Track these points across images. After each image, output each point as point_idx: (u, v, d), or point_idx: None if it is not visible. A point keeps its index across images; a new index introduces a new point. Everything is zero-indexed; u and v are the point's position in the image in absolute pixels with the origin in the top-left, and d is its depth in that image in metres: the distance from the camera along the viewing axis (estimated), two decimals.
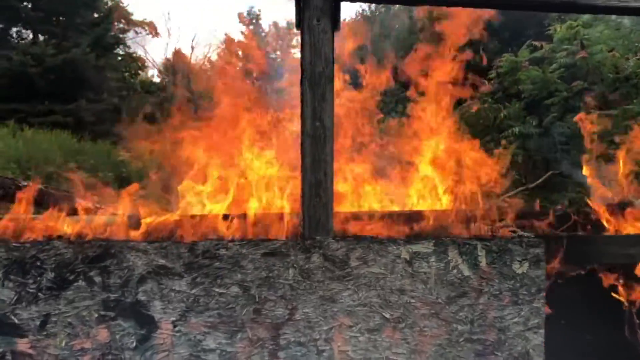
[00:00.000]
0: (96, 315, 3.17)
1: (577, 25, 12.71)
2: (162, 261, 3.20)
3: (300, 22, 3.40)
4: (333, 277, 3.29)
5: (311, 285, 3.28)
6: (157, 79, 30.23)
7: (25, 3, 23.24)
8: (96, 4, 24.54)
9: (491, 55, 17.80)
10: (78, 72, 21.94)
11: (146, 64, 29.48)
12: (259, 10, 34.34)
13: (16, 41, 24.09)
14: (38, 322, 3.14)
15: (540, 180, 9.87)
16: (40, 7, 22.66)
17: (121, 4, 25.16)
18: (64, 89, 22.27)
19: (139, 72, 29.14)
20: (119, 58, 25.89)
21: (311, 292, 3.28)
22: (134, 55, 27.60)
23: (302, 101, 3.39)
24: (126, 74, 26.80)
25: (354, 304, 3.30)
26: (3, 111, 20.55)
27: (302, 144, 3.39)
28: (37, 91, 21.77)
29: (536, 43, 13.53)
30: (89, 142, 21.13)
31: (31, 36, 24.19)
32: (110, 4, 25.36)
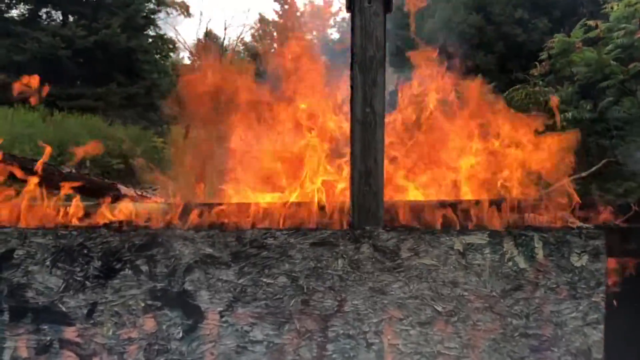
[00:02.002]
0: (143, 304, 3.28)
1: (636, 2, 12.45)
2: (209, 250, 3.29)
3: (350, 4, 3.43)
4: (383, 269, 3.34)
5: (361, 277, 3.34)
6: (187, 61, 30.50)
7: None
8: None
9: (541, 35, 17.60)
10: (108, 54, 22.25)
11: (177, 45, 29.75)
12: None
13: (46, 23, 24.50)
14: (85, 311, 3.26)
15: (594, 168, 9.72)
16: None
17: None
18: (94, 71, 22.62)
19: (170, 54, 29.42)
20: (150, 40, 26.14)
21: (361, 283, 3.34)
22: (165, 36, 27.86)
23: (351, 86, 3.43)
24: (157, 56, 27.06)
25: (404, 296, 3.35)
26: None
27: (351, 131, 3.43)
28: (67, 74, 22.15)
29: (590, 22, 13.28)
30: (119, 127, 21.47)
31: (61, 18, 24.55)
32: None
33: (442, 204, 3.73)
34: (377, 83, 3.40)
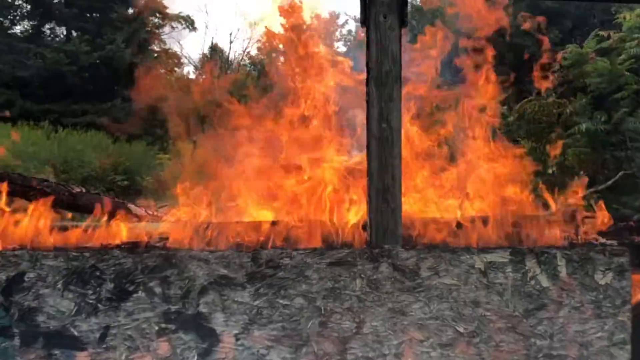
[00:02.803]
0: (156, 327, 3.25)
1: None
2: (223, 271, 3.27)
3: (365, 19, 3.43)
4: (403, 289, 3.31)
5: (380, 297, 3.30)
6: (192, 75, 30.61)
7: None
8: None
9: (552, 46, 17.59)
10: (113, 69, 22.35)
11: (182, 60, 29.87)
12: (301, 2, 34.32)
13: (49, 39, 24.67)
14: (98, 335, 3.23)
15: (610, 182, 9.70)
16: (74, 3, 23.16)
17: None
18: (98, 87, 22.73)
19: (175, 68, 29.56)
20: (155, 55, 26.28)
21: (380, 304, 3.30)
22: (170, 51, 28.02)
23: (367, 102, 3.42)
24: (162, 70, 27.16)
25: (425, 317, 3.32)
26: (36, 112, 21.05)
27: (368, 147, 3.42)
28: (71, 90, 22.25)
29: (603, 33, 13.28)
30: (124, 143, 21.52)
31: (64, 33, 24.72)
32: None
33: (459, 221, 3.71)
34: (393, 98, 3.39)
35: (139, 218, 4.15)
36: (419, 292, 3.31)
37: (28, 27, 24.48)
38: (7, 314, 3.19)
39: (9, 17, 23.96)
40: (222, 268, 3.27)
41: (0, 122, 18.24)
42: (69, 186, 4.26)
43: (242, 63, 29.75)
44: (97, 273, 3.23)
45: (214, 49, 27.65)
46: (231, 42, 29.18)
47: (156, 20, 25.95)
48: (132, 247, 3.35)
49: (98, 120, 21.94)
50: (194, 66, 30.10)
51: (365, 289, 3.30)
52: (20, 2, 24.04)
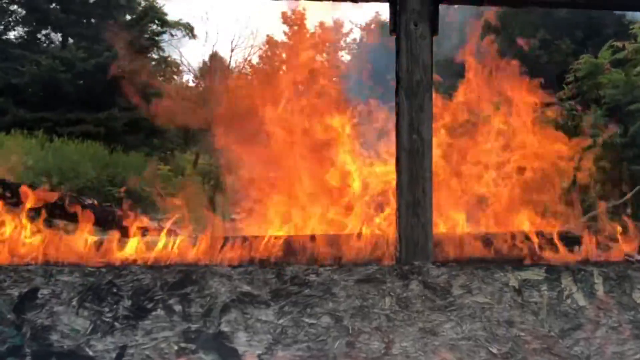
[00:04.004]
0: (176, 347, 3.18)
1: None
2: (247, 288, 3.21)
3: (395, 27, 3.39)
4: (434, 307, 3.25)
5: (410, 316, 3.24)
6: (192, 84, 30.54)
7: (54, 5, 23.77)
8: (130, 4, 24.97)
9: (564, 57, 17.57)
10: (110, 77, 22.31)
11: (181, 68, 29.81)
12: (304, 9, 34.40)
13: (45, 45, 24.65)
14: (114, 355, 3.16)
15: (628, 196, 9.64)
16: (71, 9, 23.17)
17: (156, 4, 25.53)
18: (94, 95, 22.66)
19: (174, 76, 29.51)
20: (153, 62, 26.24)
21: (410, 323, 3.24)
22: (169, 58, 27.97)
23: (397, 112, 3.38)
24: (160, 78, 27.14)
25: (457, 337, 3.26)
26: (30, 120, 20.99)
27: (397, 159, 3.38)
28: (66, 98, 22.19)
29: (617, 43, 13.27)
30: (121, 154, 21.47)
31: (60, 40, 24.72)
32: (143, 4, 25.76)
33: (490, 237, 3.66)
34: (424, 109, 3.35)
35: (152, 231, 4.09)
36: (451, 311, 3.26)
37: (23, 33, 24.48)
38: (19, 333, 3.12)
39: (3, 22, 23.95)
40: (245, 284, 3.22)
41: None
42: (80, 198, 4.21)
43: (242, 71, 29.73)
44: (114, 289, 3.18)
45: (215, 57, 27.60)
46: (232, 50, 29.05)
47: (155, 27, 25.94)
48: (151, 262, 3.28)
49: (94, 129, 21.90)
50: (193, 74, 30.04)
51: (394, 308, 3.24)
52: (15, 7, 24.03)
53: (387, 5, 3.48)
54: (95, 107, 22.46)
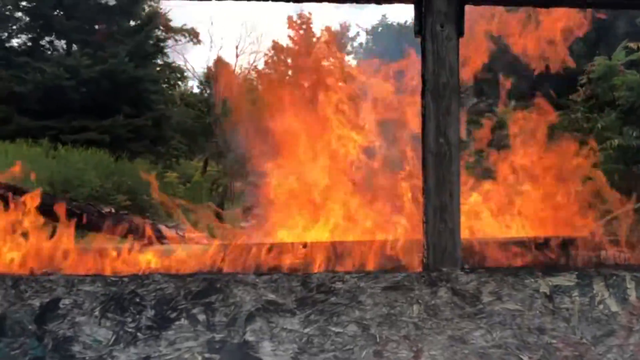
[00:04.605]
0: (200, 358, 3.16)
1: None
2: (272, 296, 3.18)
3: (421, 29, 3.37)
4: (463, 315, 3.22)
5: (438, 324, 3.21)
6: (196, 90, 30.62)
7: (58, 11, 23.81)
8: (134, 10, 24.99)
9: (576, 58, 17.54)
10: (115, 84, 22.34)
11: (185, 74, 29.89)
12: (309, 14, 34.39)
13: (49, 52, 24.68)
14: None
15: None
16: (75, 16, 23.19)
17: (160, 10, 25.60)
18: (99, 103, 22.69)
19: (179, 83, 29.57)
20: (157, 69, 26.28)
21: (438, 331, 3.21)
22: (173, 64, 28.03)
23: (423, 115, 3.36)
24: (164, 85, 27.20)
25: (487, 345, 3.22)
26: (34, 129, 21.00)
27: (423, 163, 3.35)
28: (70, 106, 22.20)
29: (632, 45, 13.25)
30: (126, 161, 21.48)
31: (64, 47, 24.74)
32: (147, 10, 25.79)
33: (522, 242, 3.63)
34: (451, 111, 3.32)
35: (170, 240, 4.07)
36: (481, 319, 3.22)
37: (26, 40, 24.51)
38: (40, 344, 3.10)
39: (6, 30, 23.99)
40: (270, 293, 3.19)
41: None
42: (98, 206, 4.20)
43: (248, 77, 29.77)
44: (137, 299, 3.15)
45: (219, 62, 27.63)
46: (237, 55, 29.10)
47: (159, 33, 25.99)
48: (174, 271, 3.26)
49: (98, 137, 21.91)
50: (198, 80, 30.12)
51: (422, 316, 3.21)
52: (19, 14, 24.07)
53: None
54: (99, 114, 22.48)
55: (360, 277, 3.22)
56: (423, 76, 3.36)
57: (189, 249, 3.71)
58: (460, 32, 3.37)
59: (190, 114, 26.41)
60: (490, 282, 3.24)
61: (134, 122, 22.87)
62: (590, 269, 3.33)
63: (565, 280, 3.27)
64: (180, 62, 29.84)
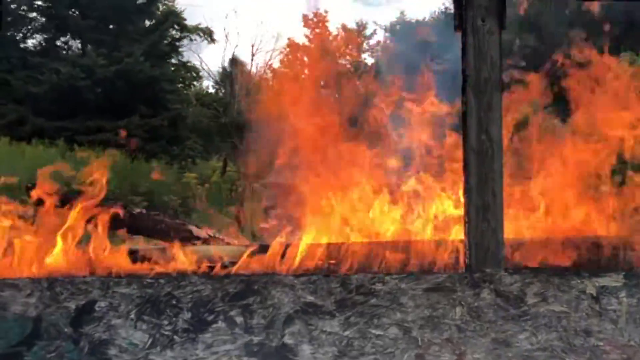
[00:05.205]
0: None
1: None
2: (310, 298, 3.16)
3: (461, 23, 3.34)
4: (507, 317, 3.18)
5: (482, 326, 3.17)
6: (211, 90, 30.59)
7: (73, 11, 23.90)
8: (150, 9, 25.03)
9: (601, 54, 17.38)
10: (130, 84, 22.40)
11: (201, 73, 29.86)
12: (326, 12, 34.39)
13: (64, 52, 24.78)
14: None
15: None
16: (90, 15, 23.25)
17: (175, 9, 25.57)
18: (114, 103, 22.77)
19: (194, 82, 29.56)
20: (172, 68, 26.28)
21: (482, 334, 3.17)
22: (189, 64, 28.01)
23: (464, 112, 3.33)
24: (180, 85, 27.21)
25: (532, 348, 3.17)
26: (49, 129, 21.10)
27: (465, 161, 3.32)
28: (86, 106, 22.28)
29: None
30: (142, 162, 21.52)
31: (79, 47, 24.83)
32: (162, 8, 25.80)
33: (569, 241, 3.58)
34: (492, 107, 3.28)
35: (203, 241, 4.05)
36: (525, 321, 3.18)
37: (41, 41, 24.63)
38: (76, 347, 3.09)
39: (22, 30, 24.12)
40: (309, 294, 3.16)
41: (15, 140, 18.31)
42: (129, 207, 4.19)
43: (264, 76, 29.76)
44: (174, 301, 3.14)
45: (235, 61, 27.61)
46: (253, 54, 29.02)
47: (174, 32, 25.99)
48: (211, 272, 3.24)
49: (113, 137, 21.96)
50: (213, 80, 30.09)
51: (465, 318, 3.17)
52: (34, 14, 24.18)
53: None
54: (115, 114, 22.54)
55: (401, 278, 3.20)
56: (464, 71, 3.33)
57: (223, 249, 3.69)
58: (502, 26, 3.33)
59: (206, 113, 26.39)
60: (535, 283, 3.20)
61: (150, 122, 22.90)
62: (638, 269, 3.28)
63: (612, 281, 3.23)
64: (195, 61, 29.83)
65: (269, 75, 30.35)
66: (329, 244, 3.66)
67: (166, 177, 20.09)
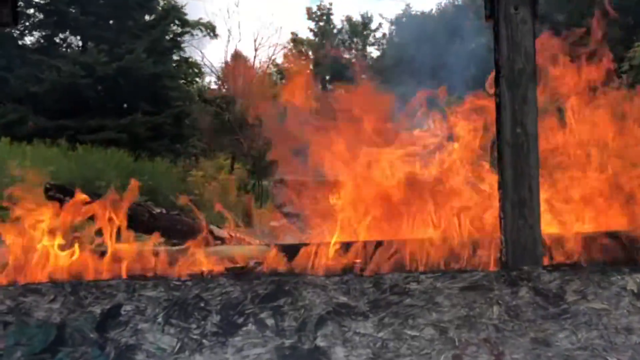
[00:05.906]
0: None
1: None
2: (343, 298, 3.11)
3: (493, 12, 3.28)
4: (546, 315, 3.13)
5: (520, 326, 3.12)
6: (214, 86, 30.56)
7: (73, 7, 23.81)
8: (150, 4, 24.93)
9: (614, 44, 17.32)
10: (132, 81, 22.34)
11: (203, 69, 29.84)
12: (330, 4, 34.32)
13: (64, 50, 24.68)
14: None
15: None
16: (90, 11, 23.17)
17: (176, 4, 25.45)
18: (116, 101, 22.74)
19: (196, 78, 29.51)
20: (174, 64, 26.20)
21: (520, 333, 3.12)
22: (190, 60, 27.95)
23: (497, 104, 3.28)
24: (182, 81, 27.13)
25: (572, 347, 3.13)
26: (50, 128, 21.06)
27: (499, 155, 3.27)
28: (87, 104, 22.25)
29: None
30: (146, 160, 21.48)
31: (80, 44, 24.76)
32: (162, 3, 25.70)
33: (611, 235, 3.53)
34: (527, 100, 3.23)
35: (224, 241, 4.01)
36: (565, 319, 3.13)
37: (40, 38, 24.53)
38: (102, 353, 3.04)
39: (20, 27, 24.01)
40: (342, 295, 3.12)
41: (15, 140, 18.27)
42: (148, 206, 4.14)
43: (267, 71, 29.75)
44: (202, 304, 3.10)
45: (237, 56, 27.59)
46: (256, 49, 28.95)
47: (175, 27, 25.89)
48: (241, 273, 3.19)
49: (116, 136, 21.90)
50: (216, 75, 30.03)
51: (503, 317, 3.13)
52: (32, 10, 24.08)
53: None
54: (117, 112, 22.50)
55: (436, 277, 3.15)
56: (497, 62, 3.28)
57: (245, 249, 3.64)
58: (535, 15, 3.28)
59: (208, 110, 26.35)
60: (574, 280, 3.15)
61: (153, 120, 22.84)
62: None
63: None
64: (197, 57, 29.83)
65: (273, 70, 30.44)
66: (362, 242, 3.61)
67: (170, 176, 20.08)
